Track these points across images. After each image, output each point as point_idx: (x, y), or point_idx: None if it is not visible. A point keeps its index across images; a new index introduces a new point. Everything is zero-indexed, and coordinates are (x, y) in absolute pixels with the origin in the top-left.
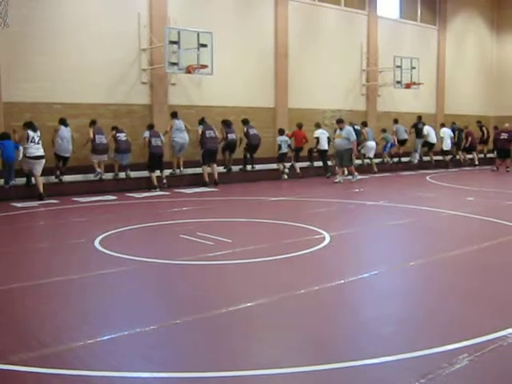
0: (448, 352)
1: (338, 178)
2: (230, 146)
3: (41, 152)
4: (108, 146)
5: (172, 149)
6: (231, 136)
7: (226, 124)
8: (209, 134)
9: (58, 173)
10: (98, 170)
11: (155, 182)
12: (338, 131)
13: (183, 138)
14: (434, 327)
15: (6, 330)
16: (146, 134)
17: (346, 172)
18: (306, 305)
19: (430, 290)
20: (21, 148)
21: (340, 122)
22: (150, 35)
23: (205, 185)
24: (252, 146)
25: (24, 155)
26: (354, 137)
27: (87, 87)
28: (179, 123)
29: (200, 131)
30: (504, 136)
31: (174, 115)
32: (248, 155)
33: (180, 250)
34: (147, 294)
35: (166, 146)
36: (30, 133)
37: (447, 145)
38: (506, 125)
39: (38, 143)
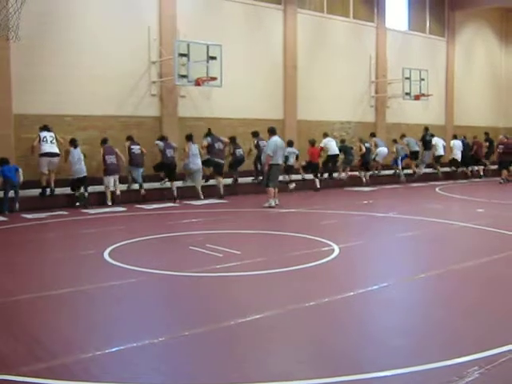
0: (458, 365)
1: (270, 201)
2: (238, 162)
3: (54, 150)
4: (119, 164)
5: (187, 175)
6: (239, 152)
7: (233, 141)
8: (217, 146)
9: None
10: (109, 202)
11: (165, 178)
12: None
13: (198, 164)
14: (444, 340)
15: (16, 340)
16: (161, 144)
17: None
18: (316, 317)
19: (439, 302)
20: (20, 171)
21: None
22: (160, 48)
23: (220, 197)
24: (260, 159)
25: (38, 155)
26: (270, 150)
27: (97, 100)
28: (195, 148)
29: (206, 143)
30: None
31: (190, 138)
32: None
33: (189, 261)
34: (156, 306)
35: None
36: (43, 133)
37: (457, 156)
38: (501, 136)
39: (51, 142)
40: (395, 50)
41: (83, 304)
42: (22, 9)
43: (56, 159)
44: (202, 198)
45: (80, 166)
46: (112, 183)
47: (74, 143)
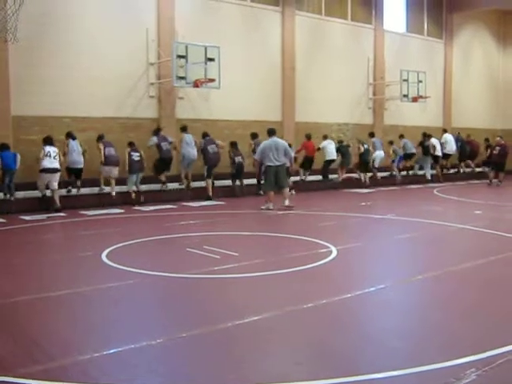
0: (455, 366)
1: (268, 204)
2: (238, 170)
3: (55, 165)
4: (119, 158)
5: (181, 162)
6: (238, 159)
7: (234, 146)
8: (211, 148)
9: (71, 187)
10: (103, 186)
11: (163, 179)
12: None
13: (192, 153)
14: (441, 341)
15: (13, 342)
16: (154, 139)
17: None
18: (314, 318)
19: (437, 303)
20: (18, 157)
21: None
22: (158, 49)
23: (209, 199)
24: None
25: (38, 170)
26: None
27: (96, 101)
28: (188, 138)
29: (201, 148)
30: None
31: (184, 129)
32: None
33: (186, 263)
34: (154, 308)
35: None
36: (47, 148)
37: (451, 150)
38: (497, 138)
39: (54, 158)
40: (393, 52)
41: (81, 306)
42: (20, 10)
43: (57, 175)
44: (189, 187)
45: (78, 157)
46: (111, 174)
47: (71, 135)
